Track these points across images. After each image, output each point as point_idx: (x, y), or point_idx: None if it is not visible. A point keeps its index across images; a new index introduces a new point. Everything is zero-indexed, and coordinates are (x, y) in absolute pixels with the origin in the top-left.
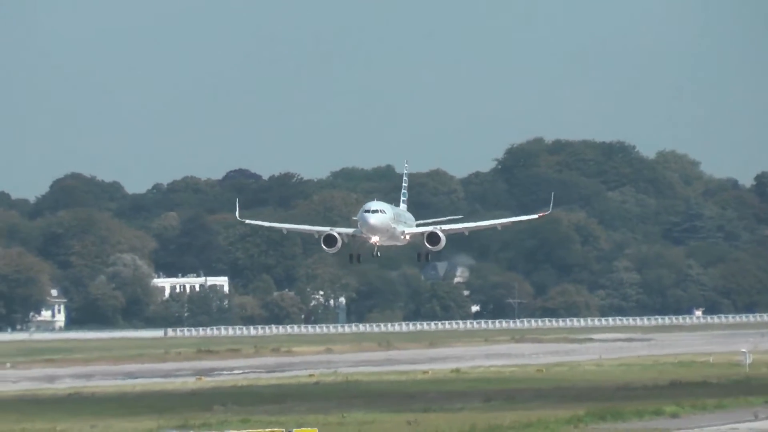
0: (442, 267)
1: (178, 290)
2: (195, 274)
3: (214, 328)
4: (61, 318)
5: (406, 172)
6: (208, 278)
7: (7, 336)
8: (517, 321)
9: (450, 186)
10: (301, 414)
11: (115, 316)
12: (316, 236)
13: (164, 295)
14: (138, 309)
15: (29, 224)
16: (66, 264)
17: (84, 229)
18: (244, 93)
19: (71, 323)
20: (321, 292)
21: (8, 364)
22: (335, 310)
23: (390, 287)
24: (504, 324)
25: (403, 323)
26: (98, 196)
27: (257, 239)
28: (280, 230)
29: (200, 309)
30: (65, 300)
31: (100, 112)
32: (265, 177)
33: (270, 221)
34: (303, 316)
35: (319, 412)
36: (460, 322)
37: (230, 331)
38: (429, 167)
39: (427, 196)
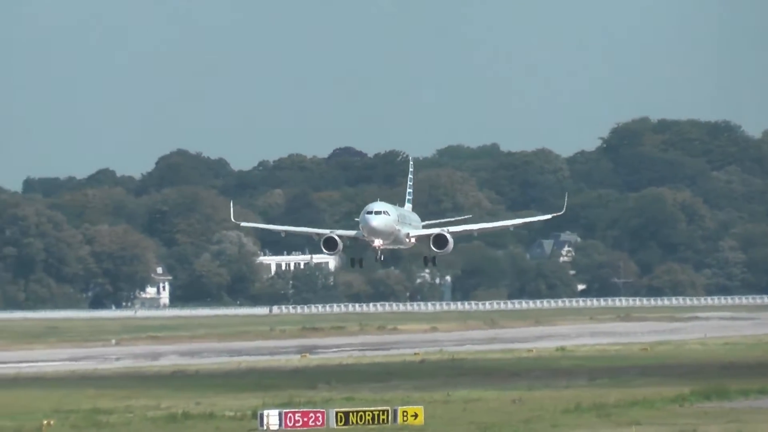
0: (548, 245)
1: (283, 268)
2: (300, 252)
3: (319, 305)
4: (165, 295)
5: (411, 170)
6: (314, 256)
7: (112, 313)
8: (623, 299)
9: (555, 165)
10: (406, 392)
11: (220, 293)
12: (316, 238)
13: (270, 273)
14: (243, 286)
15: (135, 201)
16: (171, 241)
17: (189, 206)
18: (351, 71)
19: (176, 301)
20: (426, 270)
21: (113, 341)
22: (440, 288)
23: (495, 265)
24: (609, 302)
25: (508, 301)
26: (204, 173)
27: None
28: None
29: (305, 286)
30: (170, 277)
31: (206, 89)
32: (371, 155)
33: (374, 199)
34: (408, 294)
35: (424, 390)
36: (566, 300)
37: (335, 309)
38: (534, 146)
39: (533, 174)
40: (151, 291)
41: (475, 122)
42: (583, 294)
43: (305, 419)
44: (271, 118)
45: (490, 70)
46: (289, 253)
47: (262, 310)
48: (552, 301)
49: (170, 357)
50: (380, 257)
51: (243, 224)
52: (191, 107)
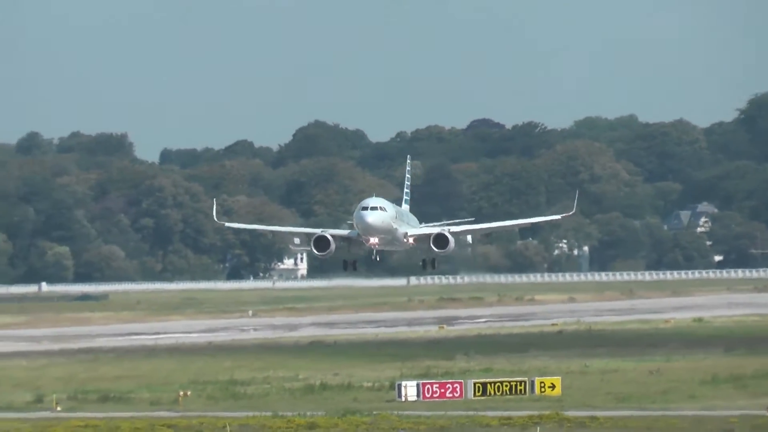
0: (685, 216)
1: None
2: (438, 223)
3: (457, 276)
4: (303, 266)
5: (408, 168)
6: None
7: (250, 284)
8: (760, 270)
9: (692, 136)
10: (543, 363)
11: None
12: (305, 239)
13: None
14: (381, 257)
15: (272, 173)
16: (308, 212)
17: (327, 177)
18: (488, 42)
19: (313, 271)
20: (564, 241)
21: (251, 312)
22: (578, 259)
23: (633, 236)
24: (746, 273)
25: (646, 272)
26: (341, 144)
27: (501, 188)
28: (524, 177)
29: (443, 257)
30: (308, 248)
31: (343, 59)
32: (509, 126)
33: (512, 170)
34: (546, 265)
35: (562, 361)
36: (703, 271)
37: (473, 280)
38: (672, 117)
39: (670, 146)
40: (288, 262)
41: (612, 93)
42: (720, 265)
43: (443, 390)
44: (408, 89)
45: (628, 41)
46: (427, 224)
47: (399, 281)
48: (689, 272)
49: (307, 328)
50: (376, 257)
51: (227, 224)
52: (329, 78)
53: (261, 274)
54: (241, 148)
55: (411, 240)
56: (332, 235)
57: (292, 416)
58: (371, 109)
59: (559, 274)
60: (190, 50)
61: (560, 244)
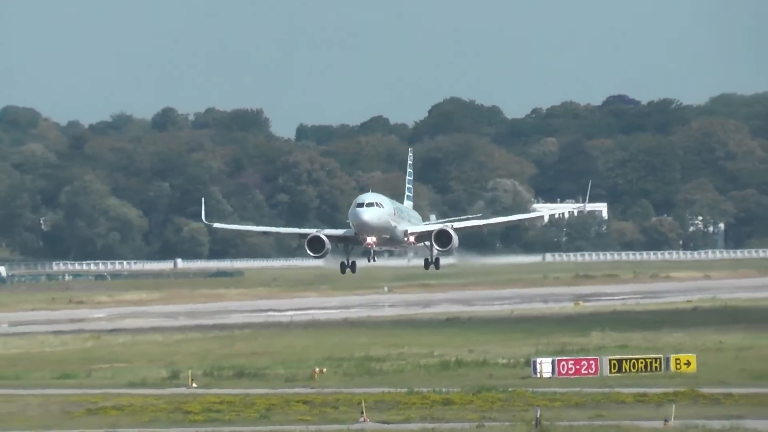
0: None
1: (556, 215)
2: (573, 200)
3: (592, 253)
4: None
5: (410, 161)
6: (587, 204)
7: (384, 260)
8: None
9: None
10: (678, 340)
11: (494, 241)
12: (300, 239)
13: (543, 221)
14: (517, 234)
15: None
16: (445, 189)
17: (463, 154)
18: (623, 16)
19: None
20: (699, 218)
21: (386, 289)
22: (714, 236)
23: None
24: None
25: None
26: (477, 120)
27: (636, 164)
28: (659, 154)
29: (578, 234)
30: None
31: (479, 35)
32: (644, 102)
33: (647, 147)
34: (681, 242)
35: (697, 337)
36: None
37: (608, 257)
38: None
39: None
40: None
41: (748, 70)
42: None
43: (578, 367)
44: (544, 65)
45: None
46: (562, 201)
47: (535, 258)
48: None
49: (442, 305)
50: (373, 258)
51: (216, 225)
52: (465, 55)
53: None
54: (376, 125)
55: (412, 238)
56: (327, 236)
57: (427, 392)
58: (507, 85)
59: (694, 252)
60: (325, 27)
61: (695, 221)
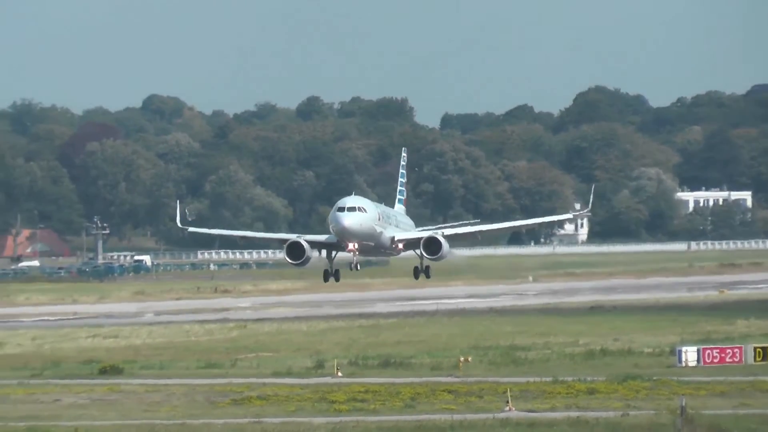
0: None
1: (701, 204)
2: (718, 188)
3: (737, 241)
4: (584, 232)
5: (403, 162)
6: (732, 192)
7: (530, 249)
8: None
9: None
10: None
11: (639, 229)
12: (281, 245)
13: (688, 209)
14: (661, 223)
15: (553, 138)
16: (589, 177)
17: (607, 142)
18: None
19: (594, 237)
20: None
21: (530, 277)
22: None
23: None
24: None
25: None
26: (621, 109)
27: None
28: None
29: (723, 222)
30: (588, 213)
31: (622, 24)
32: None
33: None
34: None
35: None
36: None
37: (753, 245)
38: None
39: None
40: (569, 227)
41: None
42: None
43: (723, 355)
44: (689, 54)
45: None
46: (707, 189)
47: (680, 246)
48: None
49: (587, 293)
50: (356, 266)
51: (190, 230)
52: (608, 43)
53: (542, 240)
54: (521, 113)
55: (400, 245)
56: (308, 241)
57: (572, 381)
58: (651, 74)
59: None
60: (471, 17)
61: None
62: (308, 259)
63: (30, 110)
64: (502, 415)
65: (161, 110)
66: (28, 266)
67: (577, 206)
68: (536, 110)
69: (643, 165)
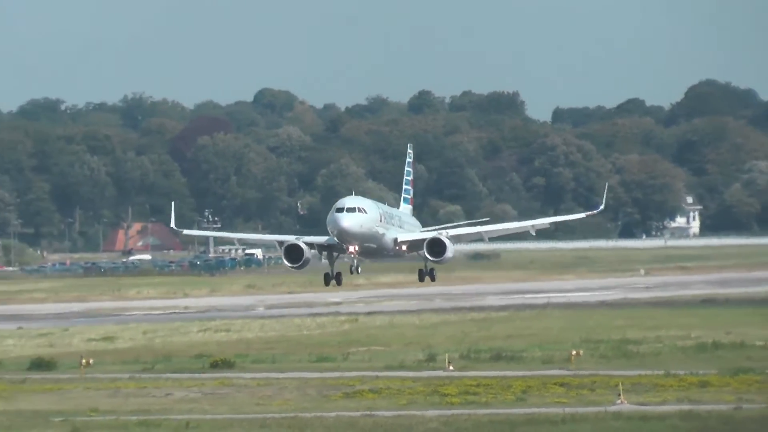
0: None
1: None
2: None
3: None
4: (695, 225)
5: (409, 159)
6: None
7: (641, 243)
8: None
9: None
10: None
11: (750, 222)
12: (278, 247)
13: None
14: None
15: (664, 131)
16: (700, 171)
17: (718, 136)
18: None
19: (705, 230)
20: None
21: (642, 271)
22: None
23: None
24: None
25: None
26: (732, 103)
27: None
28: None
29: None
30: (700, 207)
31: (730, 15)
32: None
33: None
34: None
35: None
36: None
37: None
38: None
39: None
40: (680, 221)
41: None
42: None
43: None
44: None
45: None
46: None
47: None
48: None
49: (699, 286)
50: (356, 269)
51: (185, 232)
52: (719, 38)
53: (653, 233)
54: (632, 107)
55: (404, 247)
56: (308, 243)
57: (684, 375)
58: (763, 68)
59: None
60: (582, 10)
61: None
62: (307, 261)
63: (141, 104)
64: (613, 408)
65: (272, 104)
66: (139, 260)
67: (689, 199)
68: (647, 104)
69: (754, 158)
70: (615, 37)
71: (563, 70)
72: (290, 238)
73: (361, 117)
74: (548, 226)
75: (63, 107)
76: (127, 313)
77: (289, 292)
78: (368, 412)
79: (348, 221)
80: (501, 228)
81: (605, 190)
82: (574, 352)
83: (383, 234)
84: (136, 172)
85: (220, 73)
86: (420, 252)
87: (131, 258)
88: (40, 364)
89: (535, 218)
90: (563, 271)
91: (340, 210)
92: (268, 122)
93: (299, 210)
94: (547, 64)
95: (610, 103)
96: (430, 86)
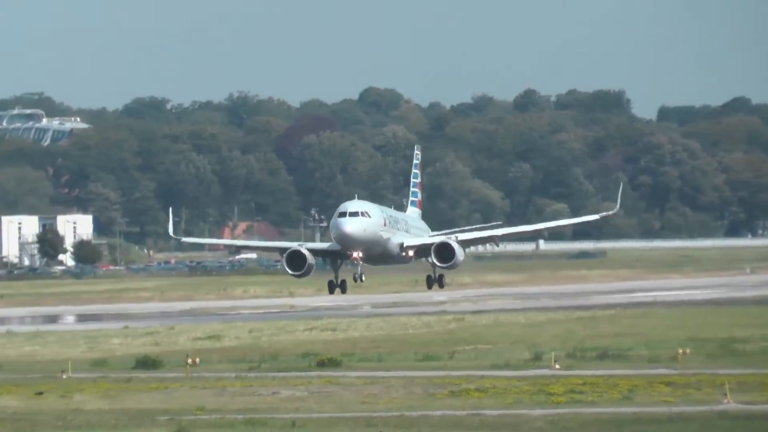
0: None
1: None
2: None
3: None
4: None
5: (416, 161)
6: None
7: (747, 241)
8: None
9: None
10: None
11: None
12: (280, 255)
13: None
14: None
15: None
16: None
17: None
18: None
19: None
20: None
21: (748, 269)
22: None
23: None
24: None
25: None
26: None
27: None
28: None
29: None
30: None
31: None
32: None
33: None
34: None
35: None
36: None
37: None
38: None
39: None
40: None
41: None
42: None
43: None
44: None
45: None
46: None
47: None
48: None
49: None
50: (360, 277)
51: (183, 239)
52: None
53: (759, 231)
54: (738, 105)
55: (410, 252)
56: (310, 250)
57: None
58: None
59: None
60: (690, 10)
61: None
62: (310, 269)
63: (246, 102)
64: (720, 407)
65: (377, 102)
66: (245, 259)
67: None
68: (753, 102)
69: None
70: (721, 35)
71: (669, 69)
72: (292, 245)
73: (466, 115)
74: (561, 228)
75: (168, 106)
76: (233, 312)
77: (395, 292)
78: (474, 411)
79: (351, 226)
80: (514, 231)
81: (620, 191)
82: (680, 351)
83: (388, 239)
84: (241, 171)
85: (326, 71)
86: (428, 258)
87: (237, 257)
88: (146, 363)
89: (641, 217)
90: (669, 269)
91: (342, 214)
92: (374, 121)
93: (404, 208)
94: (652, 63)
95: (716, 101)
96: (535, 85)
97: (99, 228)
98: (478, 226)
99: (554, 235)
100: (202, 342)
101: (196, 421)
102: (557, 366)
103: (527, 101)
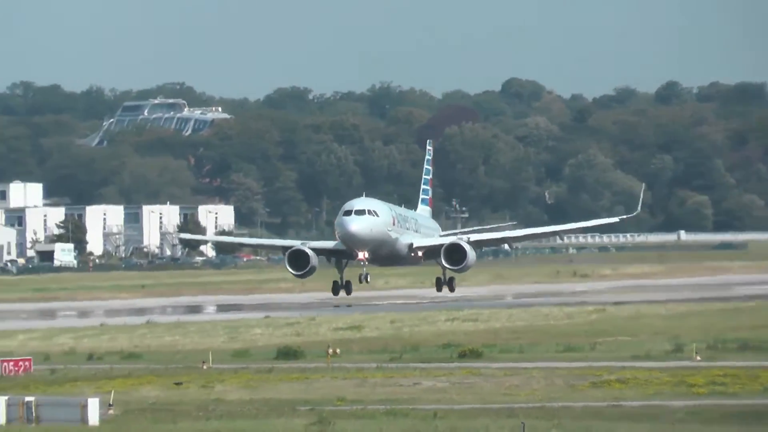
0: None
1: None
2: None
3: None
4: None
5: (428, 157)
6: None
7: None
8: None
9: None
10: None
11: None
12: (282, 254)
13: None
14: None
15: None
16: None
17: None
18: None
19: None
20: None
21: None
22: None
23: None
24: None
25: None
26: None
27: None
28: None
29: None
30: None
31: None
32: None
33: None
34: None
35: None
36: None
37: None
38: None
39: None
40: None
41: None
42: None
43: None
44: None
45: None
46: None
47: None
48: None
49: None
50: (366, 278)
51: (182, 236)
52: None
53: None
54: None
55: (419, 253)
56: (314, 249)
57: None
58: None
59: None
60: None
61: None
62: (314, 269)
63: (389, 93)
64: None
65: (520, 93)
66: None
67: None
68: None
69: None
70: None
71: None
72: (295, 243)
73: (608, 107)
74: (573, 231)
75: (310, 96)
76: (375, 302)
77: (536, 282)
78: (615, 402)
79: (356, 225)
80: (526, 233)
81: (641, 193)
82: None
83: (396, 239)
84: (383, 162)
85: (469, 62)
86: (437, 260)
87: None
88: (287, 353)
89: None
90: None
91: (348, 212)
92: (516, 112)
93: (547, 200)
94: None
95: None
96: (677, 77)
97: (240, 218)
98: (486, 227)
99: (695, 226)
100: (343, 332)
101: (337, 411)
102: (698, 357)
103: (669, 93)
